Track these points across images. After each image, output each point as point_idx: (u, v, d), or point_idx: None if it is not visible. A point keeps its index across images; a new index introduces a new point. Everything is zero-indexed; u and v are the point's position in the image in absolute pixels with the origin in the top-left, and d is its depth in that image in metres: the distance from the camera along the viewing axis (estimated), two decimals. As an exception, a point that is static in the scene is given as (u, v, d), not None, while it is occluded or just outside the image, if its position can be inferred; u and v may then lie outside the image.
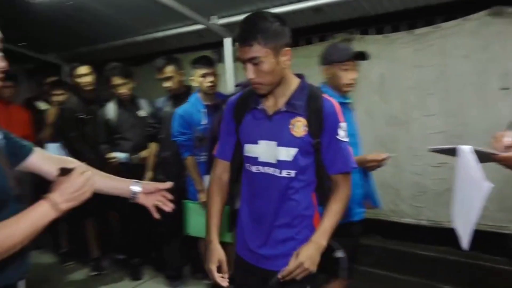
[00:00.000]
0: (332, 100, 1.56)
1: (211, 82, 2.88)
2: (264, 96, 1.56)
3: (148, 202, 1.50)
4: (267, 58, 1.43)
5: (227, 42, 3.87)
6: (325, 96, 1.56)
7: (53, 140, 3.80)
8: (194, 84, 2.96)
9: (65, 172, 1.16)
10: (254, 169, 1.59)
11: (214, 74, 2.90)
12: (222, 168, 1.72)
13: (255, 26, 1.42)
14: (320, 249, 1.50)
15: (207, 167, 2.70)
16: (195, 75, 2.91)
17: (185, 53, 4.79)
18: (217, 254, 1.60)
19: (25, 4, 3.88)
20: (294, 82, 1.57)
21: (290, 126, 1.52)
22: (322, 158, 1.55)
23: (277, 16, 1.47)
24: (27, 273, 1.26)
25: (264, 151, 1.55)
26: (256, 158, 1.58)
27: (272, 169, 1.55)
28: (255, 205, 1.61)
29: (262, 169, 1.57)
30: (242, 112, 1.62)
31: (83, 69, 3.57)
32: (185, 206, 2.93)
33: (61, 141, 3.70)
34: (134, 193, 1.46)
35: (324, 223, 1.53)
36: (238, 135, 1.64)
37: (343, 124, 1.55)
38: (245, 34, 1.43)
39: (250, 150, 1.59)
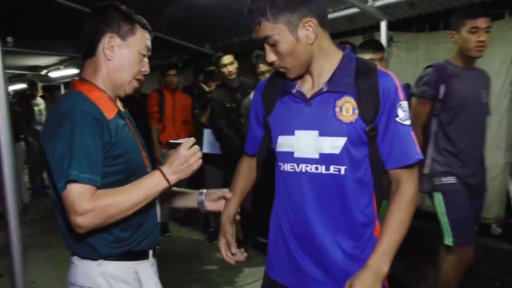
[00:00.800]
0: (390, 73, 1.24)
1: None
2: (297, 78, 1.27)
3: (216, 207, 1.50)
4: (281, 36, 1.16)
5: (383, 26, 3.61)
6: (380, 68, 1.25)
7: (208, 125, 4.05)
8: None
9: (173, 146, 1.24)
10: (288, 167, 1.29)
11: (381, 60, 2.66)
12: (248, 164, 1.51)
13: (262, 1, 1.16)
14: (381, 277, 1.16)
15: None
16: None
17: (332, 40, 4.63)
18: (224, 230, 1.46)
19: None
20: (336, 56, 1.25)
21: (337, 110, 1.21)
22: (378, 148, 1.23)
23: None
24: (157, 245, 1.38)
25: (302, 143, 1.25)
26: (291, 153, 1.28)
27: (313, 166, 1.24)
28: (297, 217, 1.30)
29: (297, 167, 1.27)
30: (273, 98, 1.34)
31: (226, 59, 3.71)
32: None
33: (211, 128, 3.92)
34: (199, 202, 1.48)
35: (383, 240, 1.18)
36: (268, 126, 1.36)
37: (404, 103, 1.21)
38: (251, 10, 1.18)
39: (284, 143, 1.30)
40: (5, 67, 2.05)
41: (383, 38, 3.64)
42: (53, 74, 8.58)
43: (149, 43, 1.30)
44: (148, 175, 1.23)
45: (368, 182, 1.26)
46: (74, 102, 1.17)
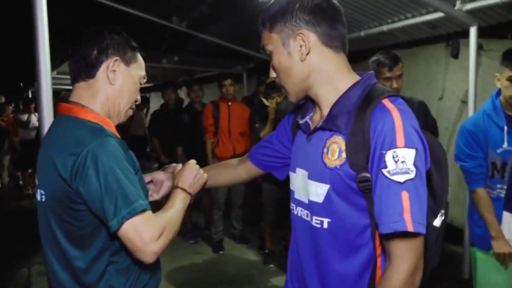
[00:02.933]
0: (393, 108, 0.96)
1: None
2: (308, 104, 1.13)
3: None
4: (273, 47, 1.05)
5: (473, 32, 3.12)
6: (385, 101, 0.97)
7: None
8: (498, 85, 2.04)
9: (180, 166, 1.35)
10: (291, 207, 1.17)
11: None
12: (238, 162, 1.41)
13: (267, 8, 1.07)
14: None
15: (506, 204, 2.01)
16: (502, 75, 2.03)
17: (410, 48, 4.20)
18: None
19: (252, 5, 3.98)
20: (346, 83, 1.03)
21: (324, 150, 1.02)
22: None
23: None
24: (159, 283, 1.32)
25: (299, 184, 1.11)
26: (293, 192, 1.16)
27: (304, 211, 1.09)
28: (299, 259, 1.13)
29: (295, 209, 1.14)
30: (296, 127, 1.20)
31: None
32: (473, 255, 2.18)
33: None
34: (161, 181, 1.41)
35: None
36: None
37: (402, 152, 0.91)
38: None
39: (291, 180, 1.18)
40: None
41: (472, 46, 3.16)
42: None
43: (144, 73, 1.30)
44: (174, 195, 1.24)
45: (364, 245, 1.01)
46: (95, 138, 1.09)
